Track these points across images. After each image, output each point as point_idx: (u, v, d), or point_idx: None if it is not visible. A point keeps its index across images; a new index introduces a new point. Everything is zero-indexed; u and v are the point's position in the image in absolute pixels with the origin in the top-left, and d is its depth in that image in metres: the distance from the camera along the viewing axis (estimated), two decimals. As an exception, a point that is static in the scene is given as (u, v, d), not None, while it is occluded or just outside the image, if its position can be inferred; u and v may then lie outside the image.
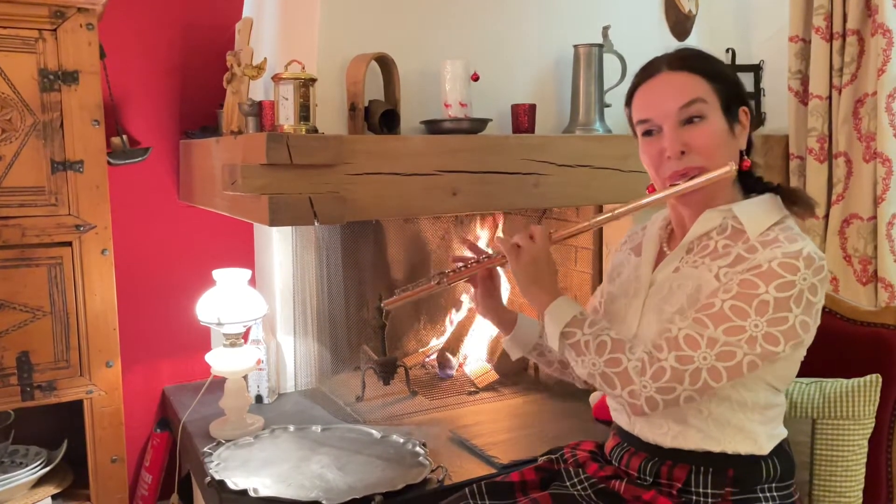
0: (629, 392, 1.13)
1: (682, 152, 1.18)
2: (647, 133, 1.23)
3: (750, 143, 1.27)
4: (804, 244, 1.12)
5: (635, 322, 1.26)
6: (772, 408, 1.20)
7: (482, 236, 2.59)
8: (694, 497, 1.18)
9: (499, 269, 1.39)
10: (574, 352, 1.19)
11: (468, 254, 1.41)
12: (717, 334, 1.09)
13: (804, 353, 1.21)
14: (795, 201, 1.22)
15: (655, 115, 1.21)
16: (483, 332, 2.43)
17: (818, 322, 1.15)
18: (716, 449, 1.18)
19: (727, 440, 1.18)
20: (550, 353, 1.44)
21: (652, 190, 1.27)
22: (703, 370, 1.09)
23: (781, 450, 1.22)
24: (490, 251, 1.40)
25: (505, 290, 2.35)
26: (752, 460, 1.18)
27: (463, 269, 1.37)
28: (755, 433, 1.19)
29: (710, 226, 1.22)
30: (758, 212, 1.19)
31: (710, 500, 1.18)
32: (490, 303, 1.42)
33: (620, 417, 1.31)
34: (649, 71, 1.24)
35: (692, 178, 1.18)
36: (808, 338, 1.14)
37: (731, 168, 1.16)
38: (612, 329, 1.19)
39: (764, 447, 1.19)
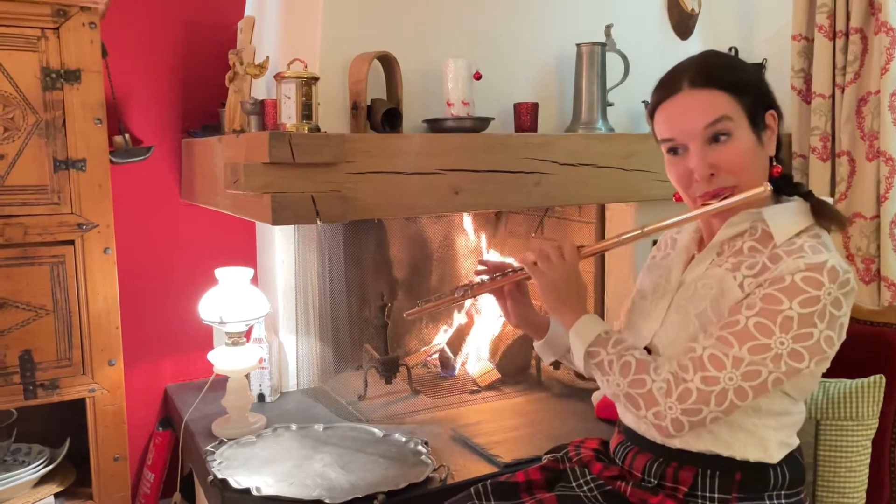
0: (654, 413, 1.12)
1: (712, 174, 1.16)
2: (673, 151, 1.21)
3: (779, 144, 1.24)
4: (829, 255, 1.09)
5: (658, 320, 1.25)
6: (787, 415, 1.18)
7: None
8: (700, 501, 1.17)
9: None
10: (599, 371, 1.19)
11: (491, 259, 1.39)
12: (743, 353, 1.08)
13: (827, 366, 1.17)
14: (824, 214, 1.18)
15: (679, 134, 1.18)
16: (485, 332, 2.43)
17: (843, 336, 1.12)
18: (725, 453, 1.17)
19: (737, 444, 1.16)
20: None
21: (678, 199, 1.27)
22: (729, 391, 1.08)
23: (792, 459, 1.20)
24: (515, 263, 1.37)
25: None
26: (761, 466, 1.17)
27: (488, 281, 1.37)
28: (766, 439, 1.17)
29: (739, 228, 1.21)
30: (787, 216, 1.17)
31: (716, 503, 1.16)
32: (522, 312, 1.41)
33: (627, 415, 1.30)
34: (670, 88, 1.20)
35: (725, 197, 1.16)
36: (833, 352, 1.12)
37: (765, 189, 1.14)
38: (637, 349, 1.18)
39: (773, 455, 1.17)
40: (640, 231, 1.25)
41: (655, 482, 1.21)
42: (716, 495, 1.16)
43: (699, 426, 1.11)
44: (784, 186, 1.24)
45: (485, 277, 1.39)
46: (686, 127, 1.17)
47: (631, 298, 1.40)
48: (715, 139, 1.16)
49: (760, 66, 2.38)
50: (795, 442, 1.22)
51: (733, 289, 1.15)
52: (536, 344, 1.43)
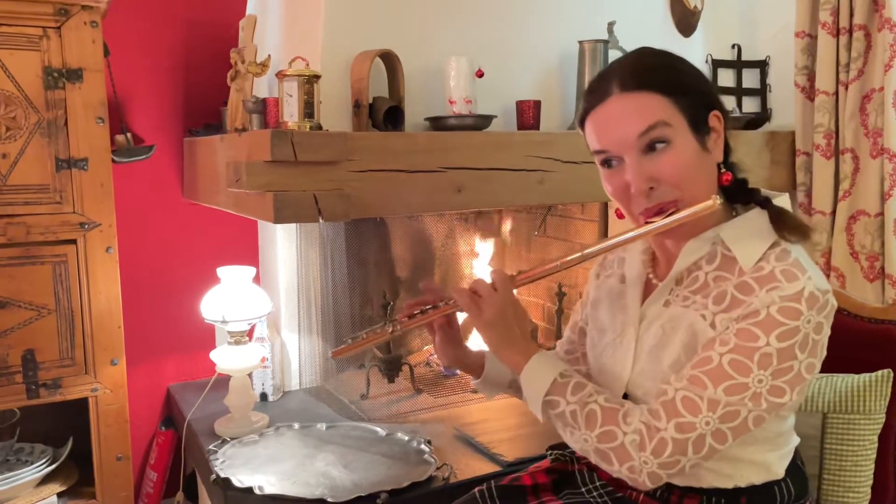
0: (629, 468, 1.02)
1: (651, 188, 1.04)
2: (607, 163, 1.09)
3: (727, 148, 1.12)
4: (804, 280, 0.99)
5: (627, 365, 1.15)
6: (781, 434, 1.13)
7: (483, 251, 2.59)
8: None
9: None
10: (561, 423, 1.08)
11: (429, 288, 1.26)
12: (718, 395, 0.99)
13: (811, 382, 1.13)
14: (785, 226, 1.06)
15: (611, 145, 1.06)
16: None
17: (825, 353, 1.05)
18: (728, 485, 1.11)
19: (739, 475, 1.11)
20: None
21: (621, 215, 1.14)
22: (706, 436, 0.99)
23: (793, 467, 1.16)
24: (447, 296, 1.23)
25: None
26: (766, 486, 1.13)
27: (418, 315, 1.22)
28: (768, 462, 1.12)
29: (696, 255, 1.10)
30: (748, 236, 1.06)
31: None
32: (452, 351, 1.28)
33: None
34: (600, 93, 1.07)
35: (669, 213, 1.04)
36: (815, 376, 1.04)
37: (714, 202, 1.02)
38: (601, 392, 1.08)
39: (778, 472, 1.13)
40: (579, 255, 1.13)
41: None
42: None
43: (678, 475, 1.03)
44: (738, 194, 1.12)
45: (417, 311, 1.24)
46: (618, 136, 1.05)
47: (576, 325, 1.34)
48: (651, 148, 1.03)
49: (755, 64, 2.38)
50: (794, 443, 1.18)
51: (706, 330, 1.05)
52: (474, 383, 1.33)
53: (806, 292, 0.99)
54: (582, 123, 1.12)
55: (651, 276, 1.19)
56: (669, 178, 1.04)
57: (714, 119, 1.08)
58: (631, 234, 1.09)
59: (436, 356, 1.32)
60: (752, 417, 1.00)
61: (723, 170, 1.10)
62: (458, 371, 2.34)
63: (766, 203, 1.10)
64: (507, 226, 2.70)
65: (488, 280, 1.15)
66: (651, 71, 1.06)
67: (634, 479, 1.03)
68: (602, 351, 1.21)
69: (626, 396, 1.16)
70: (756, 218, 1.08)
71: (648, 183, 1.04)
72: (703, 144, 1.06)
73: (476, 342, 1.43)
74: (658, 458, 1.00)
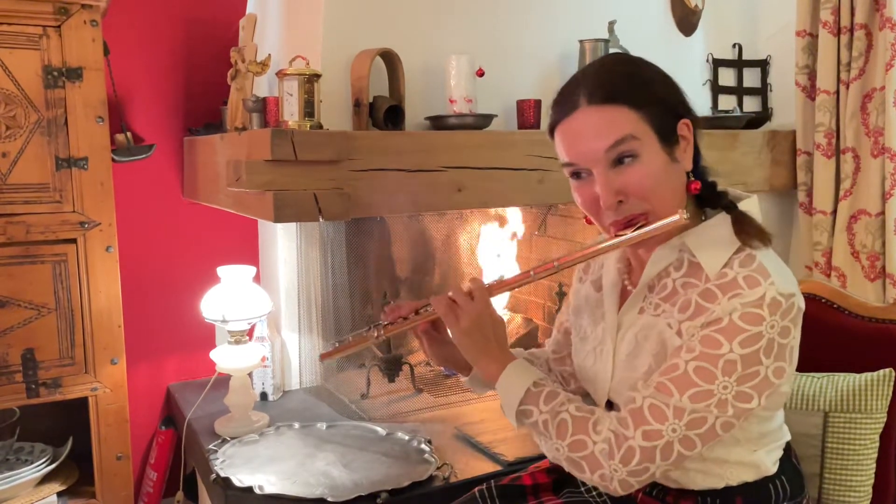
0: (600, 476, 1.04)
1: (620, 201, 1.05)
2: (576, 175, 1.09)
3: (697, 153, 1.12)
4: (765, 287, 0.99)
5: (608, 374, 1.17)
6: (767, 434, 1.14)
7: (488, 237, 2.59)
8: None
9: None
10: (534, 432, 1.11)
11: (402, 303, 1.30)
12: (684, 402, 0.99)
13: (791, 382, 1.12)
14: (745, 232, 1.06)
15: (579, 158, 1.06)
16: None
17: (795, 359, 1.06)
18: (720, 485, 1.12)
19: (729, 474, 1.12)
20: None
21: (590, 221, 1.15)
22: (674, 443, 1.00)
23: (788, 465, 1.17)
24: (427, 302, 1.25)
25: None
26: (760, 484, 1.13)
27: (402, 321, 1.25)
28: (757, 461, 1.13)
29: (665, 263, 1.11)
30: (713, 242, 1.07)
31: None
32: (441, 351, 1.28)
33: None
34: (567, 105, 1.07)
35: (638, 226, 1.05)
36: (786, 380, 1.05)
37: (680, 216, 1.02)
38: (573, 401, 1.09)
39: (770, 468, 1.14)
40: (554, 266, 1.14)
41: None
42: None
43: (648, 481, 1.04)
44: (708, 200, 1.13)
45: (400, 318, 1.26)
46: (585, 150, 1.04)
47: (560, 333, 1.36)
48: (619, 161, 1.04)
49: (756, 63, 2.38)
50: (784, 438, 1.18)
51: (673, 338, 1.06)
52: (464, 380, 1.33)
53: (768, 297, 0.99)
54: (551, 133, 1.12)
55: (627, 283, 1.20)
56: (637, 192, 1.04)
57: (683, 128, 1.08)
58: (602, 245, 1.10)
59: (430, 359, 1.34)
60: (719, 423, 1.00)
61: (691, 178, 1.10)
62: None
63: (730, 208, 1.10)
64: (511, 225, 2.69)
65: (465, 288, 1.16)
66: (618, 83, 1.05)
67: (606, 486, 1.04)
68: (584, 358, 1.23)
69: (609, 402, 1.19)
70: (720, 224, 1.09)
71: (617, 197, 1.04)
72: (672, 155, 1.06)
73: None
74: (626, 466, 1.01)
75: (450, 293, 1.15)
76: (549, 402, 1.08)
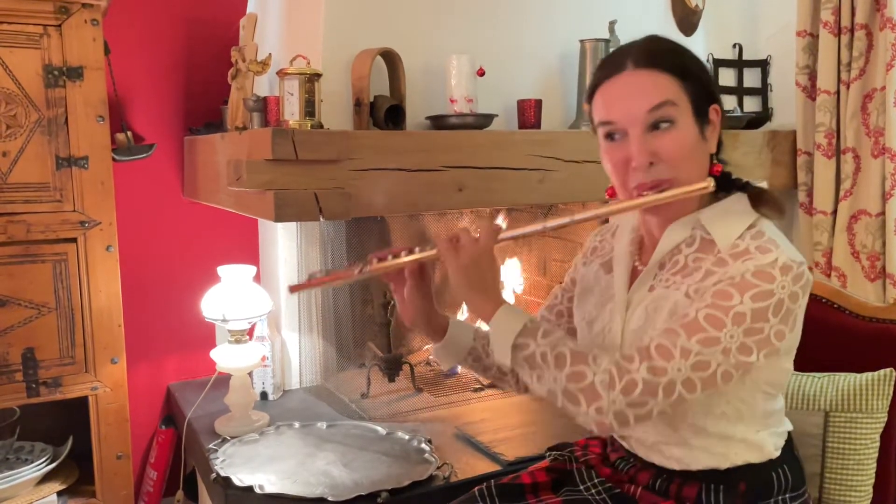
0: (596, 409, 1.02)
1: (651, 163, 1.08)
2: (610, 136, 1.12)
3: (720, 143, 1.17)
4: (777, 253, 1.04)
5: (615, 349, 1.17)
6: (771, 415, 1.16)
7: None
8: None
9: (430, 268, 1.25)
10: (528, 366, 1.08)
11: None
12: (691, 344, 1.01)
13: (793, 358, 1.15)
14: (762, 202, 1.12)
15: (620, 117, 1.09)
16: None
17: (798, 328, 1.09)
18: (724, 465, 1.14)
19: (733, 453, 1.13)
20: (488, 359, 1.31)
21: (612, 193, 1.17)
22: (677, 382, 1.01)
23: (790, 454, 1.19)
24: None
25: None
26: (763, 469, 1.15)
27: (391, 259, 1.19)
28: (760, 442, 1.14)
29: (678, 239, 1.14)
30: (727, 218, 1.11)
31: None
32: (421, 304, 1.23)
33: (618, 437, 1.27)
34: (613, 67, 1.11)
35: (662, 190, 1.08)
36: (786, 346, 1.07)
37: (709, 184, 1.07)
38: (572, 340, 1.09)
39: (773, 451, 1.15)
40: (568, 219, 1.15)
41: (660, 497, 1.18)
42: None
43: (644, 419, 1.03)
44: (724, 186, 1.16)
45: (389, 255, 1.21)
46: (627, 110, 1.08)
47: (577, 322, 1.32)
48: (656, 126, 1.07)
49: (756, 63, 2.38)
50: (787, 427, 1.20)
51: (682, 301, 1.08)
52: (434, 347, 1.30)
53: (780, 262, 1.03)
54: (591, 97, 1.15)
55: (637, 263, 1.22)
56: (669, 157, 1.08)
57: (713, 112, 1.12)
58: (623, 204, 1.12)
59: (401, 315, 1.27)
60: (720, 371, 1.02)
61: (715, 161, 1.14)
62: (460, 370, 2.34)
63: (745, 186, 1.15)
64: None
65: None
66: (664, 53, 1.11)
67: (601, 420, 1.02)
68: (592, 340, 1.23)
69: None
70: (735, 201, 1.13)
71: (649, 158, 1.08)
72: (702, 132, 1.11)
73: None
74: (627, 396, 1.01)
75: (456, 232, 1.14)
76: (547, 337, 1.08)
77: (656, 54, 1.10)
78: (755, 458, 1.14)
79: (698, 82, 1.10)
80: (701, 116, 1.10)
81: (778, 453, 1.16)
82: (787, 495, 1.16)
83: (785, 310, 1.03)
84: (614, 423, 1.02)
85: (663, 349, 1.02)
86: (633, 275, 1.21)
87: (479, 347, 1.30)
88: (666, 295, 1.12)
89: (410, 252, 1.18)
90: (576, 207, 2.44)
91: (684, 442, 1.13)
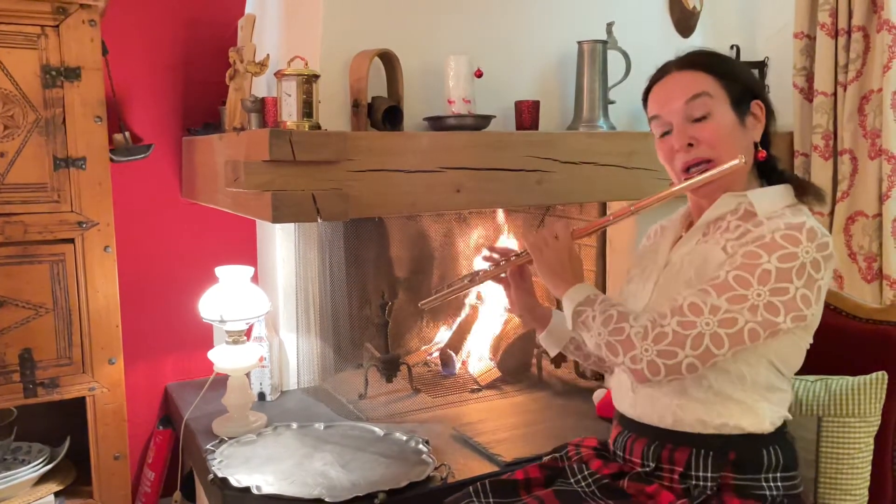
0: (631, 357, 1.14)
1: (690, 144, 1.24)
2: (663, 134, 1.29)
3: (767, 136, 1.30)
4: (808, 219, 1.16)
5: (646, 298, 1.29)
6: (774, 391, 1.21)
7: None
8: (694, 482, 1.19)
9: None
10: (584, 329, 1.23)
11: (497, 246, 1.46)
12: (720, 302, 1.12)
13: (810, 341, 1.23)
14: (804, 191, 1.26)
15: (664, 111, 1.28)
16: (486, 330, 2.42)
17: (822, 302, 1.17)
18: (716, 420, 1.19)
19: (728, 413, 1.19)
20: (587, 347, 1.42)
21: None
22: (705, 335, 1.11)
23: (783, 437, 1.22)
24: (517, 250, 1.44)
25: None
26: (753, 441, 1.18)
27: (493, 267, 1.43)
28: (757, 409, 1.19)
29: (725, 209, 1.26)
30: (771, 196, 1.24)
31: (710, 483, 1.17)
32: (525, 300, 1.46)
33: (623, 400, 1.32)
34: (661, 72, 1.32)
35: (704, 170, 1.23)
36: (811, 315, 1.15)
37: (741, 160, 1.19)
38: (622, 306, 1.22)
39: (766, 424, 1.19)
40: (630, 210, 1.31)
41: (653, 465, 1.23)
42: (709, 474, 1.18)
43: (675, 372, 1.12)
44: (769, 174, 1.30)
45: (491, 265, 1.45)
46: (669, 104, 1.26)
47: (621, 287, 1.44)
48: (698, 119, 1.24)
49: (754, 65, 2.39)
50: (786, 415, 1.23)
51: (718, 253, 1.19)
52: (540, 336, 1.48)
53: (807, 225, 1.14)
54: (645, 99, 1.35)
55: (683, 234, 1.35)
56: (706, 139, 1.23)
57: (756, 107, 1.27)
58: (674, 188, 1.28)
59: (510, 309, 1.60)
60: (748, 329, 1.11)
61: (759, 149, 1.29)
62: (458, 368, 2.35)
63: (793, 178, 1.29)
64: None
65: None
66: (702, 56, 1.30)
67: (636, 369, 1.14)
68: (628, 295, 1.37)
69: None
70: (782, 188, 1.26)
71: (688, 140, 1.24)
72: (742, 121, 1.26)
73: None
74: (658, 345, 1.12)
75: (539, 232, 1.33)
76: (603, 304, 1.22)
77: (695, 58, 1.29)
78: (748, 423, 1.19)
79: (736, 80, 1.26)
80: (741, 108, 1.25)
81: (772, 429, 1.20)
82: (778, 474, 1.19)
83: (807, 275, 1.12)
84: (647, 371, 1.13)
85: (694, 306, 1.13)
86: (677, 242, 1.35)
87: (577, 336, 1.44)
88: (702, 248, 1.24)
89: (508, 259, 1.43)
90: (574, 209, 2.44)
91: (683, 391, 1.21)
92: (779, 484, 1.18)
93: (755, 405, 1.19)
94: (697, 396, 1.20)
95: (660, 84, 1.31)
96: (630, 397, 1.29)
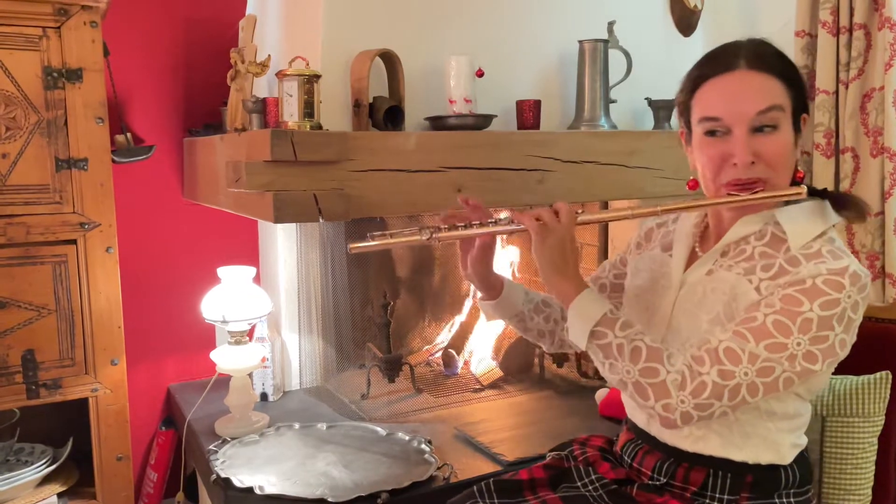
0: (664, 406, 1.07)
1: (752, 162, 1.11)
2: (711, 133, 1.14)
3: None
4: (849, 261, 1.07)
5: (664, 324, 1.21)
6: (798, 417, 1.18)
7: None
8: (708, 501, 1.16)
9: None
10: (602, 354, 1.13)
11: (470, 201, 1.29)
12: (759, 350, 1.05)
13: (831, 370, 1.17)
14: (846, 206, 1.16)
15: (728, 115, 1.12)
16: (488, 330, 2.42)
17: (855, 338, 1.10)
18: (737, 457, 1.16)
19: (749, 448, 1.15)
20: (531, 322, 1.39)
21: (693, 186, 1.21)
22: (742, 385, 1.05)
23: (801, 456, 1.20)
24: (500, 216, 1.26)
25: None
26: (773, 468, 1.16)
27: (462, 228, 1.23)
28: (779, 443, 1.16)
29: (748, 230, 1.17)
30: (802, 220, 1.14)
31: (725, 501, 1.15)
32: (481, 269, 1.33)
33: (637, 415, 1.29)
34: (724, 64, 1.13)
35: (756, 191, 1.12)
36: (844, 354, 1.09)
37: (802, 191, 1.11)
38: (646, 334, 1.13)
39: (786, 457, 1.17)
40: (652, 210, 1.18)
41: (664, 480, 1.20)
42: (725, 496, 1.15)
43: (707, 419, 1.08)
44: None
45: (462, 224, 1.24)
46: (738, 109, 1.11)
47: (625, 298, 1.36)
48: (760, 129, 1.11)
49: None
50: (805, 441, 1.22)
51: (749, 292, 1.11)
52: (485, 303, 1.37)
53: (850, 269, 1.06)
54: (693, 89, 1.17)
55: (697, 248, 1.25)
56: (770, 159, 1.11)
57: (803, 122, 1.17)
58: (714, 200, 1.16)
59: (465, 269, 1.35)
60: (783, 377, 1.05)
61: (798, 167, 1.18)
62: (460, 368, 2.34)
63: (824, 192, 1.19)
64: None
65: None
66: (776, 57, 1.14)
67: (667, 416, 1.08)
68: (639, 314, 1.27)
69: None
70: (813, 206, 1.16)
71: (752, 157, 1.11)
72: (796, 138, 1.15)
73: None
74: (696, 398, 1.06)
75: (537, 211, 1.18)
76: (625, 329, 1.12)
77: (768, 57, 1.13)
78: (769, 458, 1.16)
79: (800, 92, 1.15)
80: (797, 123, 1.15)
81: (791, 459, 1.17)
82: (792, 490, 1.17)
83: (847, 319, 1.05)
84: (679, 421, 1.07)
85: (732, 353, 1.06)
86: (691, 258, 1.25)
87: (525, 312, 1.38)
88: (726, 277, 1.14)
89: (486, 224, 1.22)
90: (575, 208, 2.43)
91: (706, 424, 1.15)
92: (792, 500, 1.17)
93: (778, 438, 1.16)
94: (718, 430, 1.16)
95: (723, 79, 1.13)
96: (646, 415, 1.25)
